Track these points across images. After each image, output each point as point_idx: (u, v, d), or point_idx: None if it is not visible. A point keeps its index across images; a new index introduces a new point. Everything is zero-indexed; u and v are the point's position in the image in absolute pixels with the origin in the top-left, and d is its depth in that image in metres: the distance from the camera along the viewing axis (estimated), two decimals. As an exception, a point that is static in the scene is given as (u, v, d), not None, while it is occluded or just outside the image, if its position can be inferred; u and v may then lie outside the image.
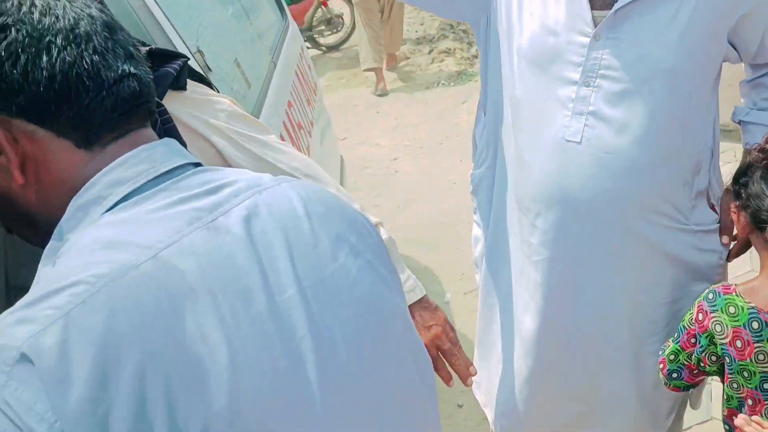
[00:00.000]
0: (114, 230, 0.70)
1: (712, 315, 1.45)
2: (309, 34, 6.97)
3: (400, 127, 5.34)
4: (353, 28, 6.92)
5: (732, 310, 1.43)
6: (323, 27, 7.19)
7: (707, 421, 2.57)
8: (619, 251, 1.58)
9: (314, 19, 7.04)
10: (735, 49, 1.55)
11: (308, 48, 7.24)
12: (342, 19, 7.21)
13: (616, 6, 1.41)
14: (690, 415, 2.62)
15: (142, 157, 0.75)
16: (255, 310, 0.69)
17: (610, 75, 1.45)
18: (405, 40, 6.84)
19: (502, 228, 1.71)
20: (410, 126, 5.37)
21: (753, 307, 1.42)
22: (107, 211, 0.72)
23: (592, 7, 1.44)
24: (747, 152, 1.56)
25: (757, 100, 1.65)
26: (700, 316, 1.48)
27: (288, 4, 3.43)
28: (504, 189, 1.67)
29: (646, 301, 1.64)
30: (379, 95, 5.98)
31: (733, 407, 1.51)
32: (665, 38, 1.43)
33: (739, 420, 1.43)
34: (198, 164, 0.80)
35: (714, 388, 2.69)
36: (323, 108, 3.04)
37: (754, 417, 1.42)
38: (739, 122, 1.70)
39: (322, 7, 7.02)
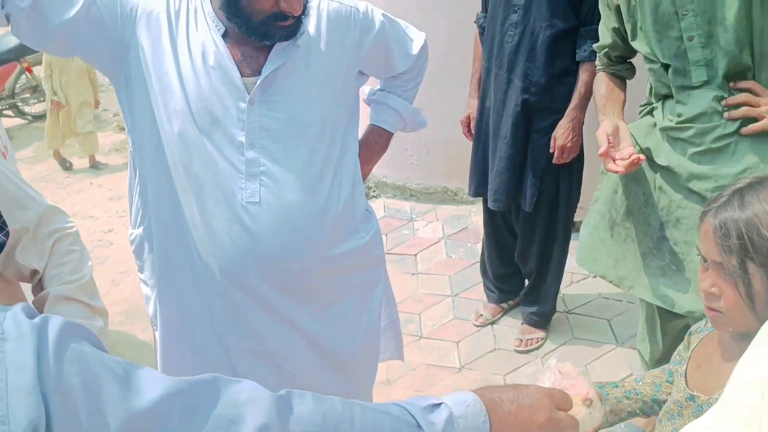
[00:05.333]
0: None
1: None
2: (11, 101, 6.37)
3: (114, 198, 5.13)
4: None
5: None
6: (28, 95, 6.55)
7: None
8: (311, 299, 1.66)
9: (16, 86, 6.42)
10: (364, 74, 1.75)
11: (11, 116, 6.69)
12: (50, 87, 6.65)
13: (263, 74, 1.51)
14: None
15: None
16: None
17: (272, 135, 1.53)
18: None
19: (172, 288, 1.68)
20: (125, 197, 5.17)
21: None
22: None
23: (242, 75, 1.52)
24: None
25: (387, 87, 1.89)
26: None
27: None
28: (171, 251, 1.63)
29: (341, 333, 1.74)
30: (93, 167, 5.63)
31: None
32: (308, 96, 1.56)
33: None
34: None
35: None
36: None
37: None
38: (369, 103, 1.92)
39: (27, 73, 6.41)
